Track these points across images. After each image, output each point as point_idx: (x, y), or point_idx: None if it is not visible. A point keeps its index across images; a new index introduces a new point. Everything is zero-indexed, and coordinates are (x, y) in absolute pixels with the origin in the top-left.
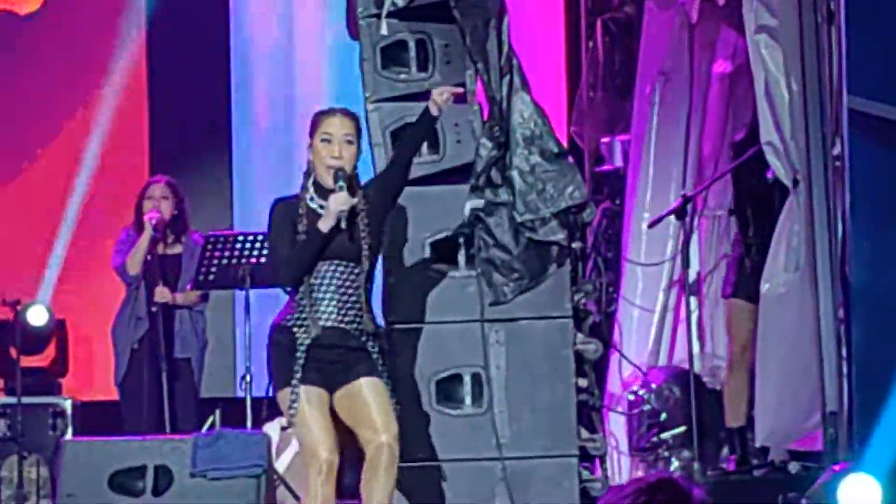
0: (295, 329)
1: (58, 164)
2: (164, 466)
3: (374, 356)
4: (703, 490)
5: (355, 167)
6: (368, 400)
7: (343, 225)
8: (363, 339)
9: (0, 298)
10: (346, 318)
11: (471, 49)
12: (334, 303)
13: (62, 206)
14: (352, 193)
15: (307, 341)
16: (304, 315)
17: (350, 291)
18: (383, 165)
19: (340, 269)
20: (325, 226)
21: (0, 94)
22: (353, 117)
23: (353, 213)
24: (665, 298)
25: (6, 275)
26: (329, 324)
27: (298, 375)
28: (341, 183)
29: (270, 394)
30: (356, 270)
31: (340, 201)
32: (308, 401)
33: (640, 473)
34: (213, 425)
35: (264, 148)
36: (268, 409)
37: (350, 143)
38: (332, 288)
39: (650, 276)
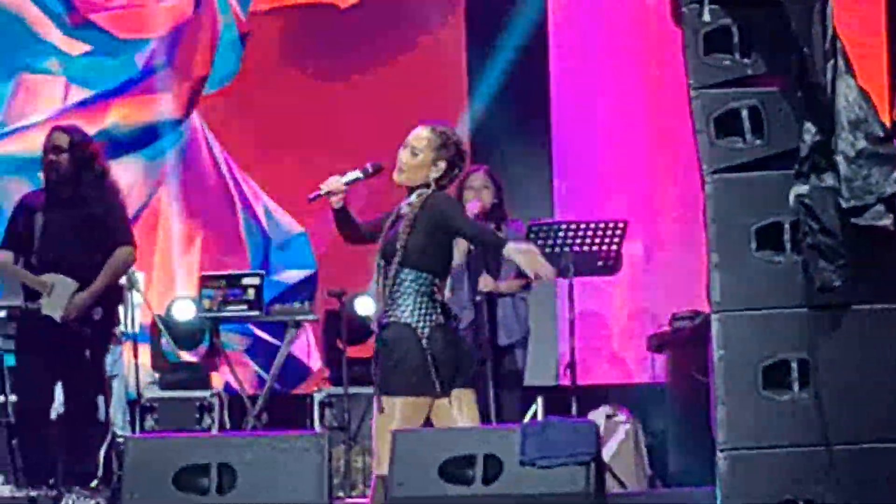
0: None
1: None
2: (493, 455)
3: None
4: None
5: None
6: None
7: (336, 205)
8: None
9: (325, 289)
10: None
11: (795, 33)
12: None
13: None
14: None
15: None
16: None
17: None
18: (706, 154)
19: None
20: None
21: (332, 87)
22: (428, 129)
23: (398, 216)
24: None
25: (335, 266)
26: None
27: None
28: (367, 169)
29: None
30: (388, 270)
31: (332, 180)
32: None
33: None
34: (535, 413)
35: (586, 135)
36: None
37: (414, 154)
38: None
39: None
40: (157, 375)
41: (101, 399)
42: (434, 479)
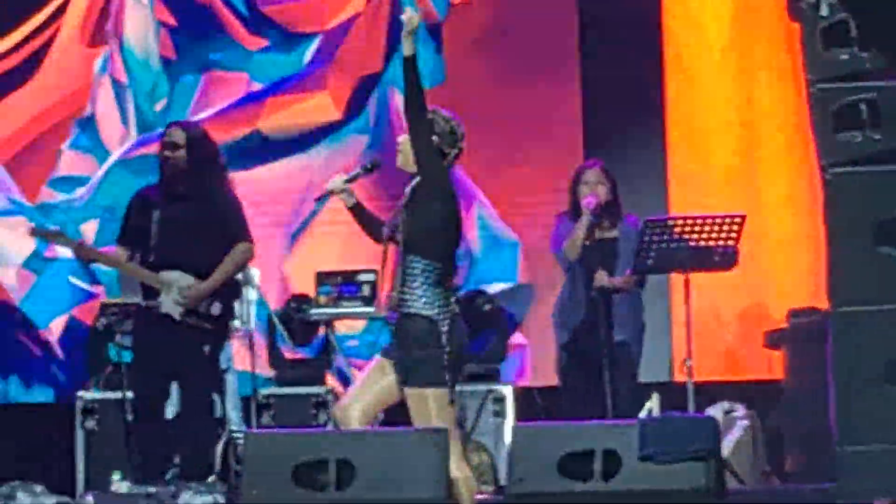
0: None
1: (490, 150)
2: (612, 450)
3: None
4: None
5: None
6: None
7: (348, 203)
8: None
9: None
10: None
11: None
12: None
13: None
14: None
15: None
16: None
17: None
18: (824, 148)
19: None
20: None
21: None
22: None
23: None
24: None
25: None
26: None
27: None
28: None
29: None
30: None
31: (335, 179)
32: None
33: None
34: (650, 409)
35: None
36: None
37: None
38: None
39: None
40: (273, 372)
41: (217, 395)
42: (553, 475)
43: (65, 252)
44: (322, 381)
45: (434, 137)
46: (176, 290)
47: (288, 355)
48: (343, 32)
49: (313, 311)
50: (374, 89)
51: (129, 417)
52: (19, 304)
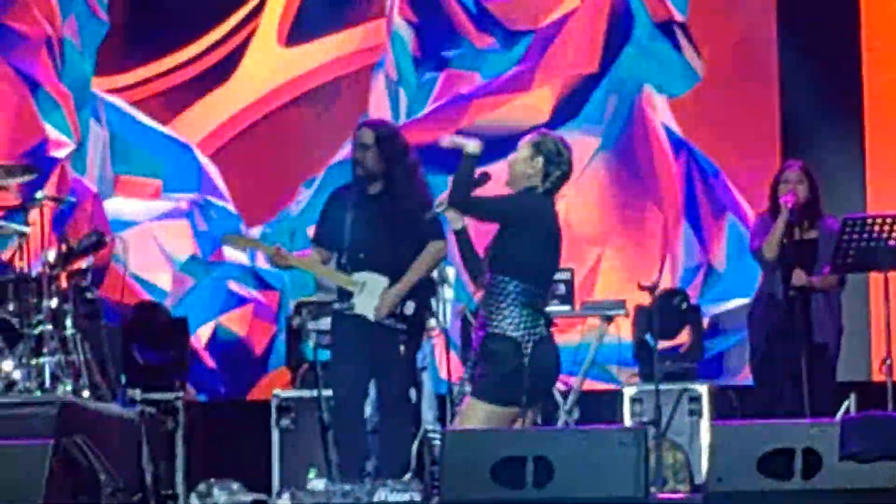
0: None
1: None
2: (812, 449)
3: None
4: None
5: None
6: None
7: (456, 225)
8: None
9: (637, 282)
10: None
11: None
12: None
13: None
14: None
15: None
16: None
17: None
18: None
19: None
20: None
21: None
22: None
23: None
24: None
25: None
26: None
27: None
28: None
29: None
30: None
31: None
32: None
33: None
34: (848, 409)
35: None
36: None
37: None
38: None
39: None
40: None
41: (413, 393)
42: (752, 474)
43: (241, 257)
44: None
45: (539, 158)
46: (369, 290)
47: None
48: (556, 31)
49: None
50: (593, 90)
51: (325, 416)
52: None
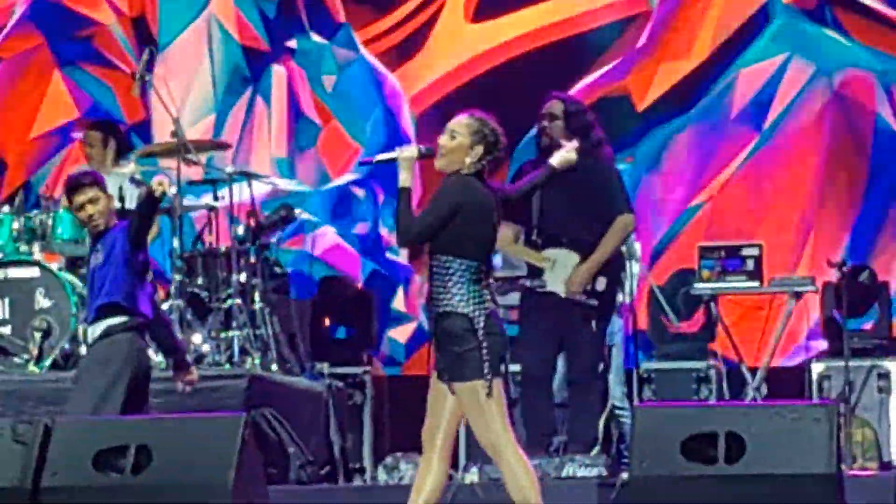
0: None
1: None
2: None
3: None
4: None
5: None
6: None
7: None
8: None
9: (827, 260)
10: None
11: None
12: None
13: None
14: None
15: None
16: None
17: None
18: None
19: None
20: None
21: None
22: (467, 115)
23: None
24: None
25: None
26: None
27: None
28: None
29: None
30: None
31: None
32: None
33: None
34: None
35: None
36: None
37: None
38: None
39: None
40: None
41: (601, 369)
42: None
43: None
44: (704, 356)
45: (480, 147)
46: (559, 267)
47: (671, 330)
48: (663, 15)
49: (697, 285)
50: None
51: (513, 391)
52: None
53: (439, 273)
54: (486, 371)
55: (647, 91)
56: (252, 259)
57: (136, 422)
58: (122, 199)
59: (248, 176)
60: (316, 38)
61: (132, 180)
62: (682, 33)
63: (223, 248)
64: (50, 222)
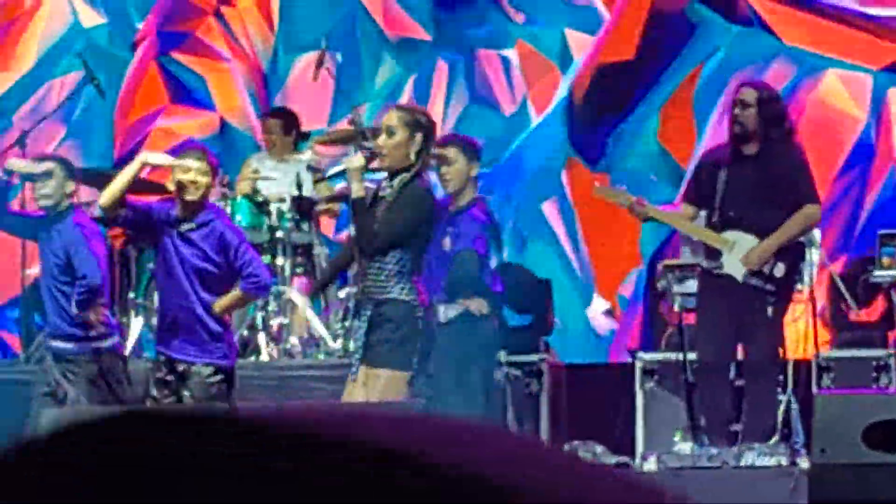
0: None
1: None
2: None
3: None
4: None
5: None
6: None
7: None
8: None
9: None
10: None
11: None
12: None
13: None
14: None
15: None
16: None
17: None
18: None
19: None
20: None
21: None
22: (395, 109)
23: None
24: None
25: None
26: None
27: None
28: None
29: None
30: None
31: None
32: None
33: None
34: None
35: None
36: None
37: (391, 133)
38: None
39: None
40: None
41: (780, 357)
42: None
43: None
44: (885, 344)
45: (418, 135)
46: (738, 250)
47: (851, 318)
48: None
49: (877, 272)
50: None
51: (691, 378)
52: None
53: (379, 263)
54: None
55: None
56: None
57: None
58: (299, 185)
59: None
60: None
61: (309, 167)
62: None
63: None
64: (228, 209)
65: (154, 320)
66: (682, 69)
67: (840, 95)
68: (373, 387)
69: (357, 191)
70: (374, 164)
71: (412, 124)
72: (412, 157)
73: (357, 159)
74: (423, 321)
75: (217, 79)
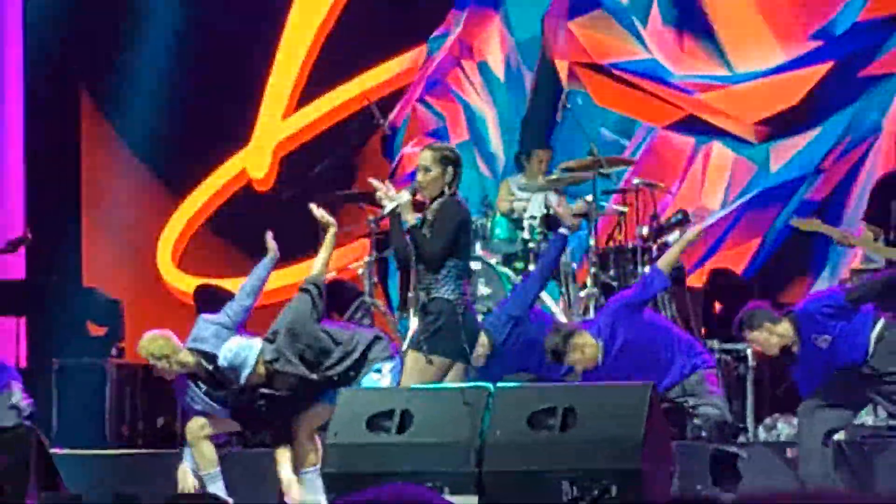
0: None
1: None
2: None
3: None
4: None
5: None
6: None
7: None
8: None
9: None
10: None
11: None
12: None
13: None
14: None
15: None
16: None
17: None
18: None
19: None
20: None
21: None
22: (427, 149)
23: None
24: None
25: None
26: None
27: None
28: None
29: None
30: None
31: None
32: None
33: None
34: None
35: None
36: None
37: (427, 171)
38: None
39: None
40: None
41: None
42: None
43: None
44: None
45: (450, 168)
46: None
47: None
48: None
49: None
50: None
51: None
52: None
53: (435, 268)
54: (447, 351)
55: None
56: (655, 255)
57: (563, 388)
58: (547, 206)
59: (651, 186)
60: None
61: (556, 190)
62: None
63: (630, 245)
64: (489, 225)
65: None
66: None
67: None
68: (410, 367)
69: (410, 220)
70: (419, 197)
71: (442, 160)
72: (446, 186)
73: (405, 195)
74: (464, 317)
75: (449, 118)
